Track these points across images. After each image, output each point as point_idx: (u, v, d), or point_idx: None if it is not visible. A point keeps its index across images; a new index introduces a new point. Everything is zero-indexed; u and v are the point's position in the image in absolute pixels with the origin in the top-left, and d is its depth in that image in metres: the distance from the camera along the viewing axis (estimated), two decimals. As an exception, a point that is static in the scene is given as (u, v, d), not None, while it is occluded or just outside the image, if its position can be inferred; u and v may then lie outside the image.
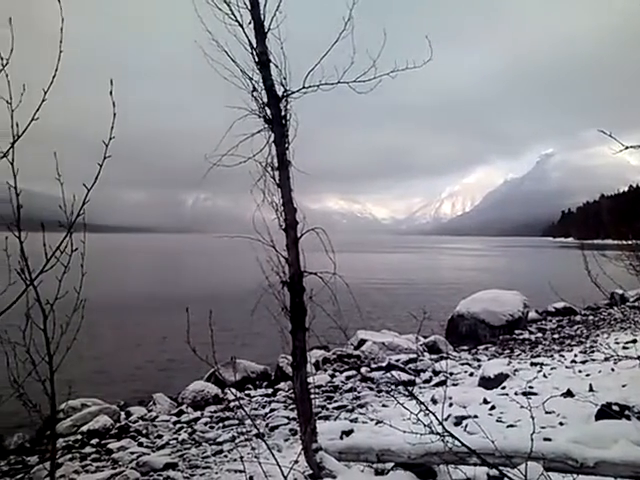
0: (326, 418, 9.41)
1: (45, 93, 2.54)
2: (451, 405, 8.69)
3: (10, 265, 2.75)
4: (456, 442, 3.31)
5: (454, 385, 11.16)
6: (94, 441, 8.87)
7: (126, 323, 20.34)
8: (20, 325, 2.88)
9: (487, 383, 10.38)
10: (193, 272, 48.25)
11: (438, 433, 3.33)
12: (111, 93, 2.52)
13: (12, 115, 2.53)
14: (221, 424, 9.64)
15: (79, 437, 9.00)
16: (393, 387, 11.46)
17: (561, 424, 6.92)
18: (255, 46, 5.50)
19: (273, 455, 3.70)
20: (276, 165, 5.66)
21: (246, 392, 11.76)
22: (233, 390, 11.36)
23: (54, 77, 2.54)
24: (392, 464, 6.20)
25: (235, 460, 7.62)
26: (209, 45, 5.32)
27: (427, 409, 3.34)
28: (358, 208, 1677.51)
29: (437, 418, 3.30)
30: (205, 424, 9.70)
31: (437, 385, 11.45)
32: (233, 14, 5.38)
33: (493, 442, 3.63)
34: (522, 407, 6.90)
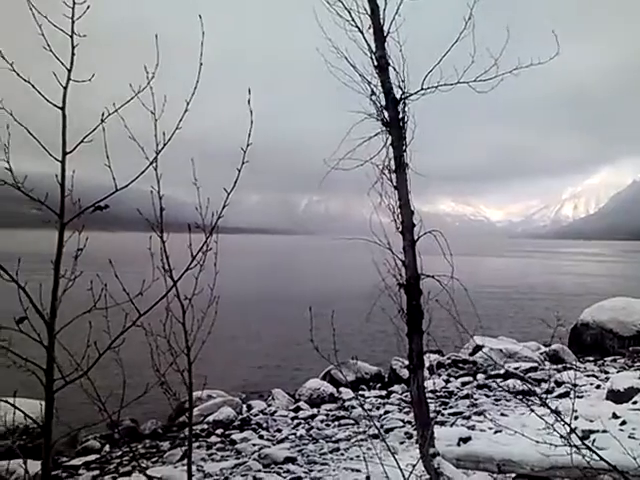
0: (442, 424, 9.25)
1: (187, 104, 2.72)
2: (576, 418, 8.19)
3: (154, 263, 2.95)
4: (594, 456, 3.11)
5: (579, 397, 10.55)
6: (219, 431, 9.43)
7: (247, 320, 21.21)
8: (161, 319, 3.11)
9: (616, 397, 9.69)
10: (310, 273, 49.40)
11: (575, 446, 3.13)
12: (249, 102, 2.64)
13: (155, 125, 2.70)
14: (337, 422, 9.84)
15: (205, 426, 9.58)
16: (512, 396, 11.01)
17: None
18: (374, 50, 5.56)
19: (394, 456, 3.70)
20: (393, 167, 5.66)
21: (360, 392, 11.87)
22: (349, 390, 11.50)
23: (195, 88, 2.72)
24: (513, 475, 5.98)
25: (352, 459, 7.72)
26: (329, 53, 5.46)
27: (562, 420, 3.16)
28: (471, 210, 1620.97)
29: (572, 429, 3.11)
30: (321, 421, 9.94)
31: (560, 396, 10.85)
32: (353, 20, 5.49)
33: (635, 459, 3.35)
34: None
